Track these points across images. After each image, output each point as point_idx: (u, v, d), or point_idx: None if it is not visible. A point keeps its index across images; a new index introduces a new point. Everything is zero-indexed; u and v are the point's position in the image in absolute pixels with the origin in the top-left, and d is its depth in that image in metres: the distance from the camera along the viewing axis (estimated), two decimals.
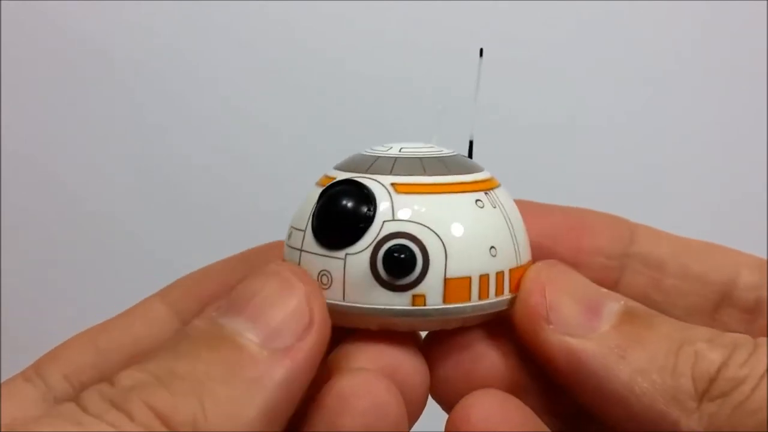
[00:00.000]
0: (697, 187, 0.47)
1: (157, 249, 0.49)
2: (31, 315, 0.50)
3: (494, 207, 0.19)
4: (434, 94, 0.44)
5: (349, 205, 0.19)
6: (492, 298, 0.19)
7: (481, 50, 0.22)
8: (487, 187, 0.20)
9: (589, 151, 0.46)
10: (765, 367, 0.16)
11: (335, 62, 0.46)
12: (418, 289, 0.18)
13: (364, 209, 0.19)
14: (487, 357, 0.19)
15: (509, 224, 0.20)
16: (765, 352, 0.17)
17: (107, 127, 0.48)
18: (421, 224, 0.18)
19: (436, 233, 0.18)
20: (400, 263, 0.18)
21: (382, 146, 0.21)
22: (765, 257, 0.22)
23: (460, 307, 0.18)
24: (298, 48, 0.46)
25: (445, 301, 0.18)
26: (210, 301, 0.21)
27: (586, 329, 0.18)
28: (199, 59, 0.47)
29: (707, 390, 0.17)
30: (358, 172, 0.20)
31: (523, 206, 0.21)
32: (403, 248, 0.18)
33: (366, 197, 0.19)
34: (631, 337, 0.18)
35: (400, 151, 0.20)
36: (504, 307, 0.19)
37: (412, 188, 0.19)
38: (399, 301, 0.18)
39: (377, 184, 0.19)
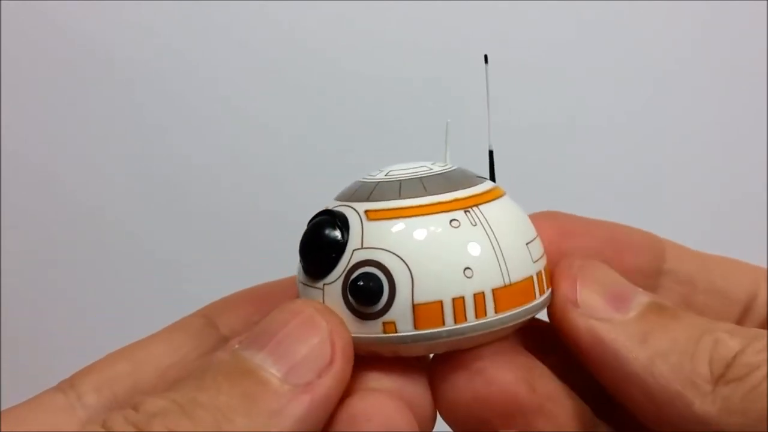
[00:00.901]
0: (697, 187, 0.47)
1: (157, 249, 0.49)
2: (31, 315, 0.50)
3: (474, 225, 0.19)
4: (434, 94, 0.44)
5: (323, 235, 0.19)
6: (472, 321, 0.18)
7: (486, 57, 0.21)
8: (469, 204, 0.19)
9: (589, 151, 0.46)
10: None
11: (335, 62, 0.46)
12: (388, 317, 0.18)
13: (338, 239, 0.19)
14: (496, 380, 0.19)
15: (492, 242, 0.19)
16: None
17: (107, 127, 0.48)
18: (387, 250, 0.18)
19: (401, 258, 0.18)
20: (364, 291, 0.18)
21: (379, 170, 0.20)
22: (765, 258, 0.22)
23: (434, 332, 0.18)
24: (298, 48, 0.46)
25: (416, 327, 0.18)
26: (252, 322, 0.21)
27: (611, 314, 0.19)
28: (199, 59, 0.47)
29: (723, 374, 0.17)
30: (344, 201, 0.20)
31: (563, 220, 0.22)
32: (368, 276, 0.18)
33: (339, 227, 0.19)
34: (655, 324, 0.19)
35: (386, 174, 0.20)
36: (492, 329, 0.18)
37: (383, 214, 0.19)
38: (371, 329, 0.18)
39: (353, 212, 0.19)
